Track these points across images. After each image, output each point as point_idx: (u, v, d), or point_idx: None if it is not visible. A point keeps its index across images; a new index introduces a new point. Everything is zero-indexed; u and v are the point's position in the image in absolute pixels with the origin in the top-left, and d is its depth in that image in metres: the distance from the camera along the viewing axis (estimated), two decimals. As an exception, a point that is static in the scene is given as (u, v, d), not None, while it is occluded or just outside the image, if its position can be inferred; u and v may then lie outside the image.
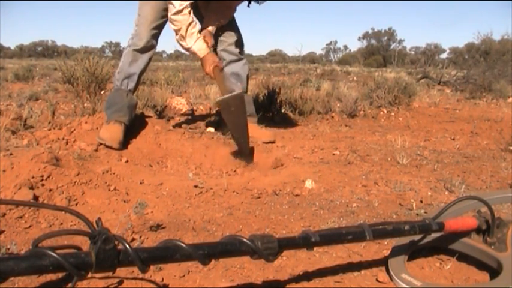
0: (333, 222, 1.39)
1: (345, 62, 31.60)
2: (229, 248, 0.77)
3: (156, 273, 1.03)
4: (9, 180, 1.46)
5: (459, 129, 3.21)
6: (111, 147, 2.17)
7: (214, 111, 3.75)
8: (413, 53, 37.51)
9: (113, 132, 2.22)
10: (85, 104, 3.23)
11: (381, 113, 3.91)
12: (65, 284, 0.97)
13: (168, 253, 0.71)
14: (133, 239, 1.23)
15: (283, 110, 3.66)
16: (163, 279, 1.01)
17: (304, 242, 0.86)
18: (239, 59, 2.65)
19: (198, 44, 2.28)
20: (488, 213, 1.07)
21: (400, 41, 39.51)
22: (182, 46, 2.33)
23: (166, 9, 2.39)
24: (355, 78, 10.13)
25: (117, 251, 0.65)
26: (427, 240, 1.13)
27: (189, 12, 2.22)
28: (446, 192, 1.70)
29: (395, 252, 1.12)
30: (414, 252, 1.15)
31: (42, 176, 1.50)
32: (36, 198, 1.42)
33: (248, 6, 2.54)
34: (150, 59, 2.49)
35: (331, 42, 48.95)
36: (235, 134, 2.19)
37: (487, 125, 3.29)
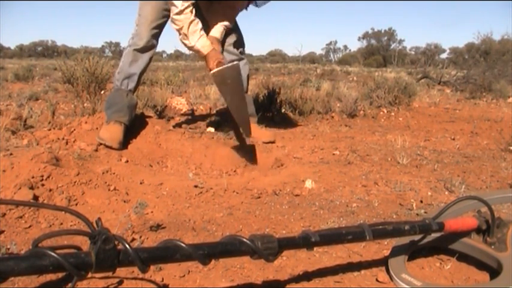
0: (333, 222, 1.39)
1: (345, 62, 31.60)
2: (229, 248, 0.77)
3: (156, 273, 1.03)
4: (9, 180, 1.46)
5: (459, 129, 3.21)
6: (111, 147, 2.17)
7: (214, 111, 3.75)
8: (413, 53, 37.54)
9: (113, 132, 2.22)
10: (85, 104, 3.23)
11: (381, 113, 3.91)
12: (65, 284, 0.97)
13: (168, 253, 0.71)
14: (133, 239, 1.23)
15: (283, 110, 3.66)
16: (163, 279, 1.01)
17: (304, 242, 0.86)
18: (240, 59, 2.65)
19: (201, 41, 2.25)
20: (488, 213, 1.07)
21: (400, 41, 39.54)
22: (185, 45, 2.30)
23: (166, 9, 2.39)
24: (355, 78, 10.13)
25: (117, 251, 0.65)
26: (427, 240, 1.13)
27: (191, 11, 2.20)
28: (446, 192, 1.70)
29: (395, 252, 1.12)
30: (414, 252, 1.15)
31: (42, 176, 1.50)
32: (36, 198, 1.42)
33: (246, 9, 2.53)
34: (150, 59, 2.49)
35: (331, 42, 48.99)
36: (233, 108, 2.13)
37: (487, 125, 3.29)
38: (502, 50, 18.17)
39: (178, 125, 3.06)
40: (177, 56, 36.69)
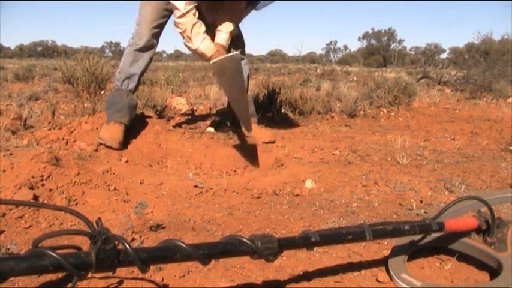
0: (333, 222, 1.39)
1: (345, 62, 31.61)
2: (229, 248, 0.77)
3: (156, 273, 1.03)
4: (9, 180, 1.46)
5: (459, 129, 3.21)
6: (111, 147, 2.17)
7: (214, 111, 3.75)
8: (413, 53, 37.56)
9: (113, 132, 2.22)
10: (85, 104, 3.23)
11: (381, 113, 3.91)
12: (65, 284, 0.97)
13: (168, 253, 0.71)
14: (133, 239, 1.23)
15: (283, 110, 3.66)
16: (163, 279, 1.01)
17: (304, 242, 0.86)
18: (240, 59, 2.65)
19: (205, 44, 2.23)
20: (488, 213, 1.07)
21: (400, 41, 39.58)
22: (189, 48, 2.28)
23: (167, 9, 2.39)
24: (355, 78, 10.13)
25: (117, 251, 0.65)
26: (427, 240, 1.13)
27: (194, 14, 2.18)
28: (446, 192, 1.70)
29: (395, 252, 1.12)
30: (414, 252, 1.15)
31: (42, 176, 1.50)
32: (36, 198, 1.42)
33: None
34: (150, 59, 2.49)
35: (331, 42, 49.01)
36: (232, 100, 2.08)
37: (487, 125, 3.29)
38: (502, 50, 18.17)
39: (178, 125, 3.06)
40: (177, 56, 36.70)
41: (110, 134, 2.20)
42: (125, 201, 1.53)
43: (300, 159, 2.22)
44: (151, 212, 1.46)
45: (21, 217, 1.32)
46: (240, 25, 2.67)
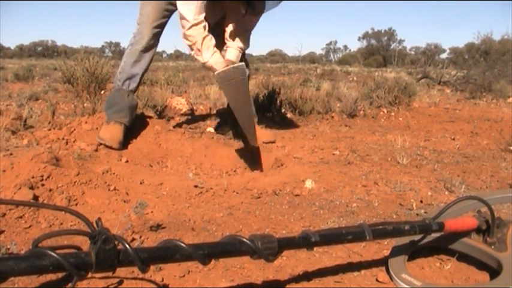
0: (333, 222, 1.39)
1: (345, 62, 31.61)
2: (229, 248, 0.77)
3: (156, 273, 1.03)
4: (9, 180, 1.46)
5: (459, 129, 3.21)
6: (111, 147, 2.17)
7: (214, 111, 3.75)
8: (413, 53, 37.56)
9: (113, 132, 2.22)
10: (85, 104, 3.23)
11: (381, 113, 3.91)
12: (65, 284, 0.97)
13: (168, 253, 0.71)
14: (133, 239, 1.23)
15: (283, 110, 3.66)
16: (163, 279, 1.01)
17: (304, 242, 0.86)
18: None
19: (215, 58, 2.20)
20: (488, 213, 1.07)
21: (400, 41, 39.57)
22: (199, 62, 2.25)
23: (167, 10, 2.39)
24: (355, 78, 10.13)
25: (117, 251, 0.65)
26: (427, 240, 1.13)
27: (204, 27, 2.14)
28: (446, 192, 1.70)
29: (395, 252, 1.12)
30: (414, 252, 1.15)
31: (42, 176, 1.50)
32: (36, 198, 1.42)
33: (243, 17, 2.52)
34: (151, 59, 2.49)
35: (331, 42, 49.01)
36: (237, 111, 2.03)
37: (487, 125, 3.29)
38: (502, 50, 18.17)
39: (178, 125, 3.06)
40: (177, 56, 36.69)
41: (110, 134, 2.20)
42: (125, 201, 1.53)
43: (300, 159, 2.22)
44: (151, 212, 1.46)
45: (21, 217, 1.32)
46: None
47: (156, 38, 2.43)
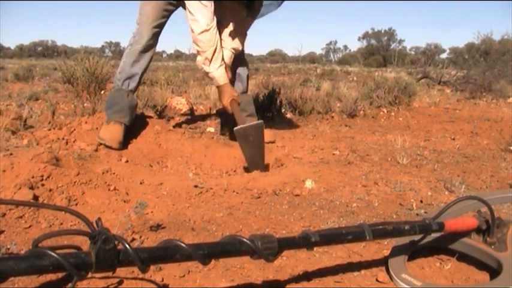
0: (333, 222, 1.39)
1: (345, 62, 31.62)
2: (229, 248, 0.77)
3: (156, 273, 1.03)
4: (9, 180, 1.46)
5: (459, 129, 3.21)
6: (111, 147, 2.17)
7: (214, 111, 3.75)
8: (413, 53, 37.58)
9: (113, 132, 2.22)
10: (85, 104, 3.23)
11: (381, 113, 3.91)
12: (65, 284, 0.97)
13: (168, 253, 0.71)
14: (133, 239, 1.23)
15: (283, 110, 3.66)
16: (163, 279, 1.01)
17: (304, 242, 0.86)
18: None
19: (220, 71, 2.22)
20: (488, 213, 1.07)
21: (400, 41, 39.59)
22: (202, 69, 2.27)
23: (166, 10, 2.40)
24: (355, 78, 10.14)
25: (117, 251, 0.65)
26: (427, 240, 1.13)
27: (216, 34, 2.14)
28: (446, 192, 1.70)
29: (395, 252, 1.12)
30: (414, 252, 1.15)
31: (42, 176, 1.50)
32: (36, 198, 1.42)
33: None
34: (151, 58, 2.49)
35: (331, 42, 49.02)
36: (248, 160, 2.06)
37: (487, 125, 3.29)
38: (502, 50, 18.17)
39: (178, 125, 3.06)
40: (177, 56, 36.71)
41: (110, 134, 2.20)
42: (125, 201, 1.53)
43: (300, 159, 2.22)
44: (151, 212, 1.46)
45: (21, 217, 1.32)
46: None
47: (155, 37, 2.43)
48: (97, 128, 2.35)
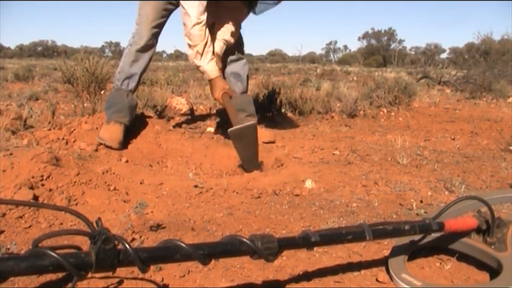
0: (333, 222, 1.39)
1: (345, 62, 31.61)
2: (229, 248, 0.77)
3: (156, 273, 1.03)
4: (9, 180, 1.46)
5: (459, 129, 3.21)
6: (111, 147, 2.17)
7: (214, 111, 3.75)
8: (413, 53, 37.57)
9: (113, 132, 2.22)
10: (85, 104, 3.23)
11: (381, 113, 3.91)
12: (65, 284, 0.97)
13: (168, 253, 0.71)
14: (133, 239, 1.23)
15: (283, 110, 3.66)
16: (163, 279, 1.01)
17: (304, 242, 0.86)
18: (239, 59, 2.65)
19: (211, 65, 2.26)
20: (488, 213, 1.07)
21: (400, 41, 39.59)
22: (193, 63, 2.29)
23: (166, 9, 2.40)
24: (355, 78, 10.13)
25: (117, 251, 0.65)
26: (427, 240, 1.13)
27: (206, 28, 2.18)
28: (446, 192, 1.70)
29: (395, 252, 1.12)
30: (414, 252, 1.15)
31: (42, 176, 1.50)
32: (36, 198, 1.42)
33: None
34: (150, 59, 2.49)
35: (331, 42, 49.03)
36: (243, 159, 2.09)
37: (487, 125, 3.29)
38: (502, 50, 18.17)
39: (178, 125, 3.06)
40: (177, 56, 36.70)
41: (110, 134, 2.20)
42: (125, 201, 1.53)
43: (300, 159, 2.22)
44: (151, 212, 1.46)
45: (21, 217, 1.32)
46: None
47: (154, 37, 2.44)
48: (97, 128, 2.35)
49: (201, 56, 2.23)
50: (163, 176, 1.94)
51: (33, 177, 1.47)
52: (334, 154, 2.35)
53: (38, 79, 7.93)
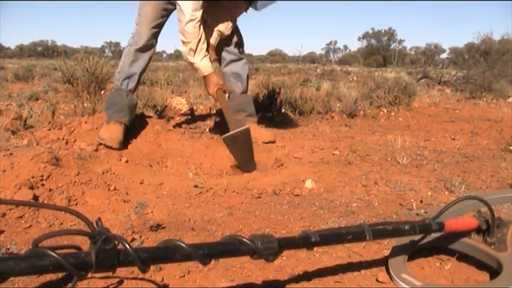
0: (333, 222, 1.39)
1: (345, 62, 31.62)
2: (229, 248, 0.77)
3: (156, 273, 1.03)
4: (9, 180, 1.46)
5: (459, 129, 3.21)
6: (111, 147, 2.17)
7: (214, 111, 3.75)
8: (413, 53, 37.56)
9: (113, 132, 2.22)
10: (85, 104, 3.23)
11: (381, 113, 3.91)
12: (65, 284, 0.97)
13: (168, 253, 0.71)
14: (133, 239, 1.23)
15: (283, 110, 3.66)
16: (163, 279, 1.01)
17: (304, 242, 0.86)
18: (239, 59, 2.65)
19: (205, 62, 2.27)
20: (488, 213, 1.07)
21: (400, 41, 39.61)
22: (187, 59, 2.31)
23: (166, 9, 2.40)
24: (355, 78, 10.14)
25: (117, 251, 0.65)
26: (427, 240, 1.13)
27: (200, 25, 2.20)
28: (446, 192, 1.70)
29: (395, 252, 1.12)
30: (414, 252, 1.15)
31: (42, 176, 1.50)
32: (36, 198, 1.42)
33: (246, 11, 2.53)
34: (150, 59, 2.50)
35: (331, 42, 49.03)
36: (238, 162, 2.10)
37: (487, 125, 3.29)
38: (502, 50, 18.17)
39: (178, 125, 3.06)
40: (177, 56, 36.64)
41: (110, 134, 2.20)
42: (125, 201, 1.53)
43: (300, 159, 2.22)
44: (151, 212, 1.46)
45: (21, 217, 1.32)
46: (240, 25, 2.68)
47: (154, 38, 2.44)
48: (97, 128, 2.35)
49: (194, 53, 2.24)
50: (163, 176, 1.94)
51: (33, 177, 1.47)
52: (334, 154, 2.35)
53: (38, 79, 7.93)
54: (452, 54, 32.43)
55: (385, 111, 3.96)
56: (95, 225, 0.66)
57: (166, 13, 2.41)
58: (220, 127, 2.93)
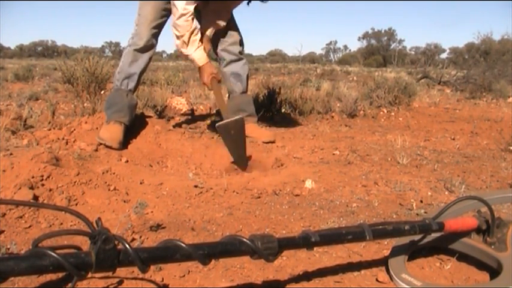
0: (333, 222, 1.39)
1: (345, 62, 31.62)
2: (229, 248, 0.77)
3: (156, 273, 1.03)
4: (9, 180, 1.46)
5: (459, 129, 3.21)
6: (111, 147, 2.17)
7: (214, 111, 3.75)
8: (413, 53, 37.57)
9: (113, 132, 2.22)
10: (85, 104, 3.23)
11: (381, 113, 3.91)
12: (65, 284, 0.97)
13: (168, 253, 0.71)
14: (133, 239, 1.23)
15: (283, 110, 3.66)
16: (163, 279, 1.01)
17: (304, 242, 0.86)
18: (239, 59, 2.65)
19: (199, 53, 2.30)
20: (488, 213, 1.07)
21: (400, 41, 39.63)
22: (181, 52, 2.34)
23: (166, 9, 2.40)
24: (355, 78, 10.14)
25: (117, 251, 0.65)
26: (427, 240, 1.13)
27: (192, 19, 2.22)
28: (446, 192, 1.70)
29: (395, 252, 1.12)
30: (414, 252, 1.15)
31: (42, 176, 1.50)
32: (36, 198, 1.42)
33: (248, 4, 2.53)
34: (150, 59, 2.50)
35: (331, 42, 49.05)
36: (231, 152, 2.14)
37: (487, 125, 3.29)
38: (502, 50, 18.17)
39: (178, 125, 3.06)
40: (177, 56, 36.66)
41: (110, 134, 2.20)
42: (125, 201, 1.53)
43: (300, 159, 2.22)
44: (151, 212, 1.46)
45: (21, 217, 1.32)
46: (240, 25, 2.68)
47: (154, 38, 2.44)
48: (97, 128, 2.35)
49: (187, 45, 2.27)
50: (163, 176, 1.94)
51: (33, 177, 1.47)
52: (334, 154, 2.35)
53: (38, 79, 7.93)
54: (452, 54, 32.45)
55: (385, 111, 3.96)
56: (95, 225, 0.66)
57: (166, 13, 2.41)
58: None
